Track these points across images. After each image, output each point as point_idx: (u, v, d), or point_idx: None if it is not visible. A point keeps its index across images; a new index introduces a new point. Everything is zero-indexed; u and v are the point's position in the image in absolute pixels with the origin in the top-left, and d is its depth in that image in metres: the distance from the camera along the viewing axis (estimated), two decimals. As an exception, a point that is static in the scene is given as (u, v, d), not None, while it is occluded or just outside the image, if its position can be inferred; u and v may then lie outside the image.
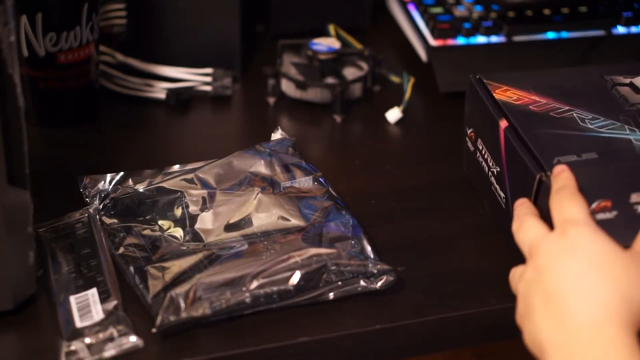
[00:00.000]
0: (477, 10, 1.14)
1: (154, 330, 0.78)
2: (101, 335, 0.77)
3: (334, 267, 0.82)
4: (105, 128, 1.06)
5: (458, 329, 0.83)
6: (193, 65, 1.10)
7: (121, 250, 0.85)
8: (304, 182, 0.91)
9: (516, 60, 1.10)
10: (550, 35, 1.13)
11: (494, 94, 0.90)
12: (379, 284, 0.82)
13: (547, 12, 1.13)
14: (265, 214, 0.87)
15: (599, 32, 1.14)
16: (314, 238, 0.85)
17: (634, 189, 0.80)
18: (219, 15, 1.10)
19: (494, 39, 1.12)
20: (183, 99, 1.08)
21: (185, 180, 0.90)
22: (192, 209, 0.88)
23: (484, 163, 0.91)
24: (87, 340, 0.77)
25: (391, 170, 1.00)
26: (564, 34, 1.13)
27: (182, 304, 0.79)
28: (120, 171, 0.91)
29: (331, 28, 1.14)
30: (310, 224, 0.87)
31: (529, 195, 0.81)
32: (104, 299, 0.80)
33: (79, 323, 0.79)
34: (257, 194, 0.89)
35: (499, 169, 0.88)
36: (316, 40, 1.09)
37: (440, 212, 0.93)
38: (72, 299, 0.81)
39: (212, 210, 0.88)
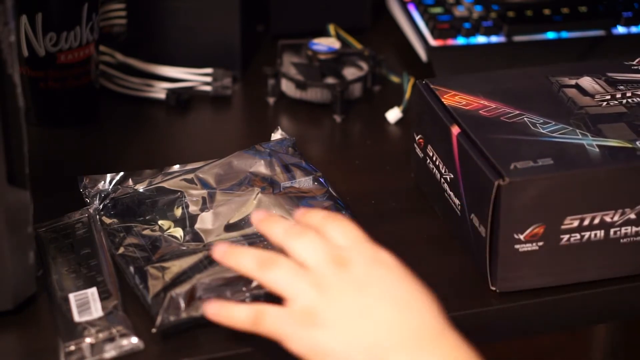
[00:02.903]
0: (477, 10, 1.14)
1: (154, 330, 0.78)
2: (101, 336, 0.77)
3: None
4: (105, 128, 1.05)
5: (458, 329, 0.83)
6: (193, 65, 1.10)
7: (121, 250, 0.85)
8: (304, 182, 0.91)
9: (516, 60, 1.10)
10: (550, 35, 1.13)
11: (442, 100, 0.89)
12: None
13: (547, 12, 1.13)
14: None
15: (599, 32, 1.14)
16: None
17: (586, 201, 0.81)
18: (219, 15, 1.10)
19: (494, 39, 1.12)
20: (183, 99, 1.08)
21: (185, 180, 0.90)
22: (192, 209, 0.88)
23: (435, 170, 0.90)
24: (87, 340, 0.77)
25: (391, 170, 1.00)
26: (564, 34, 1.13)
27: (182, 304, 0.79)
28: (120, 171, 0.91)
29: (331, 28, 1.14)
30: None
31: (486, 201, 0.80)
32: (103, 298, 0.80)
33: (77, 318, 0.78)
34: (257, 194, 0.89)
35: (452, 176, 0.87)
36: (316, 40, 1.09)
37: (440, 212, 0.94)
38: (72, 297, 0.80)
39: (212, 210, 0.88)
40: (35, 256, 0.81)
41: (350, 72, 1.09)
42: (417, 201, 0.95)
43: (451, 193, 0.87)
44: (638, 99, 0.90)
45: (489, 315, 0.84)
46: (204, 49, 1.10)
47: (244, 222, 0.87)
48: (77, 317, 0.79)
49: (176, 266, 0.82)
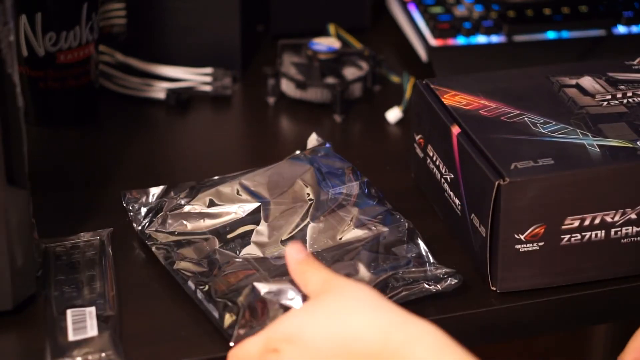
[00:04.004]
0: (478, 10, 1.14)
1: (231, 344, 0.76)
2: (90, 358, 0.76)
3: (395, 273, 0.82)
4: (105, 128, 1.05)
5: (458, 329, 0.83)
6: (193, 65, 1.10)
7: (176, 265, 0.83)
8: (352, 187, 0.90)
9: (516, 60, 1.10)
10: (551, 35, 1.13)
11: (442, 100, 0.89)
12: (442, 286, 0.82)
13: (547, 11, 1.13)
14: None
15: (600, 32, 1.14)
16: (372, 246, 0.85)
17: (586, 201, 0.81)
18: (219, 15, 1.10)
19: (494, 38, 1.12)
20: (183, 99, 1.08)
21: (235, 192, 0.89)
22: (246, 222, 0.87)
23: (435, 170, 0.90)
24: (78, 359, 0.76)
25: (391, 170, 1.00)
26: (565, 34, 1.13)
27: (257, 315, 0.77)
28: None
29: (331, 28, 1.14)
30: (370, 232, 0.86)
31: (487, 201, 0.80)
32: (101, 320, 0.79)
33: (72, 335, 0.77)
34: (310, 204, 0.88)
35: (452, 176, 0.87)
36: (316, 40, 1.09)
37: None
38: (69, 312, 0.79)
39: (267, 223, 0.86)
40: (35, 256, 0.81)
41: (350, 72, 1.09)
42: (417, 201, 0.95)
43: (451, 193, 0.87)
44: (638, 98, 0.90)
45: (489, 315, 0.84)
46: (204, 49, 1.10)
47: (298, 235, 0.86)
48: (71, 334, 0.78)
49: (239, 280, 0.80)
